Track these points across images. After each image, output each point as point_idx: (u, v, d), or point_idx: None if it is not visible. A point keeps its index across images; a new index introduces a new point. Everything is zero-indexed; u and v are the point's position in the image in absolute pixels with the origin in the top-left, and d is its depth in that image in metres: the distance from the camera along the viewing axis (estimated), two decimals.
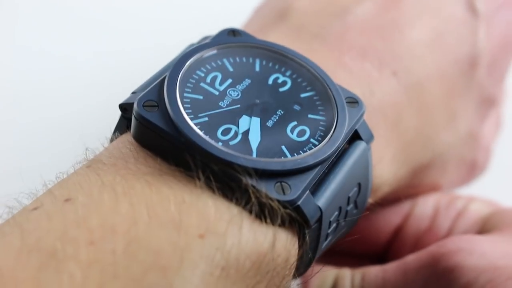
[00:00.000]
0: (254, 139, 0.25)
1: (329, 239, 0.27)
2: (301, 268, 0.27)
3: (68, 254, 0.20)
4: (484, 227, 0.33)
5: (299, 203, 0.24)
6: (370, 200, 0.30)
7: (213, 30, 0.30)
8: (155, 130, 0.25)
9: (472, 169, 0.38)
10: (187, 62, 0.27)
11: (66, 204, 0.22)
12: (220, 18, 0.37)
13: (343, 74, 0.30)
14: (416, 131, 0.32)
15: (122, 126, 0.27)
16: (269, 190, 0.24)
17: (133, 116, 0.25)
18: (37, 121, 0.42)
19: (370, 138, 0.28)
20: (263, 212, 0.24)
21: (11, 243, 0.21)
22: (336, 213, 0.26)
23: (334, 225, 0.27)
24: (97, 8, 0.50)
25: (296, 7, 0.34)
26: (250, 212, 0.24)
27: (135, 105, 0.25)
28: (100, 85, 0.43)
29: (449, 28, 0.35)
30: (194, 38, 0.30)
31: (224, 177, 0.24)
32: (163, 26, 0.49)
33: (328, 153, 0.25)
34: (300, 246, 0.25)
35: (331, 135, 0.26)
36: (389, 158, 0.31)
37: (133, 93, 0.27)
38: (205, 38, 0.29)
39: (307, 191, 0.24)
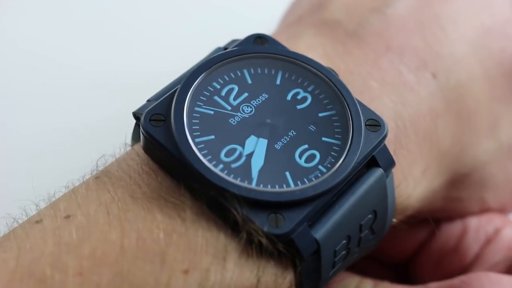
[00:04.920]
0: (257, 163, 0.24)
1: (338, 266, 0.26)
2: None
3: (56, 283, 0.21)
4: None
5: (292, 236, 0.23)
6: (395, 220, 0.29)
7: (236, 32, 0.29)
8: (158, 146, 0.24)
9: None
10: (202, 72, 0.26)
11: (65, 222, 0.23)
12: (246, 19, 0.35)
13: (375, 83, 0.28)
14: (453, 138, 0.30)
15: (137, 134, 0.27)
16: (260, 221, 0.23)
17: (140, 128, 0.25)
18: (51, 125, 0.42)
19: (390, 164, 0.26)
20: (252, 243, 0.23)
21: (8, 263, 0.22)
22: (344, 241, 0.25)
23: (343, 252, 0.26)
24: (117, 13, 0.50)
25: None
26: (241, 243, 0.23)
27: (141, 119, 0.25)
28: (116, 90, 0.43)
29: (496, 25, 0.32)
30: (216, 40, 0.29)
31: (217, 204, 0.23)
32: (184, 30, 0.49)
33: (331, 185, 0.24)
34: (296, 278, 0.25)
35: (340, 164, 0.25)
36: (418, 174, 0.29)
37: (148, 101, 0.26)
38: (233, 41, 0.28)
39: (304, 224, 0.24)
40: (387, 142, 0.27)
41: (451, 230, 0.34)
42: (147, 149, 0.25)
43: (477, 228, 0.34)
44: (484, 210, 0.34)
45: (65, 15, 0.49)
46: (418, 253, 0.34)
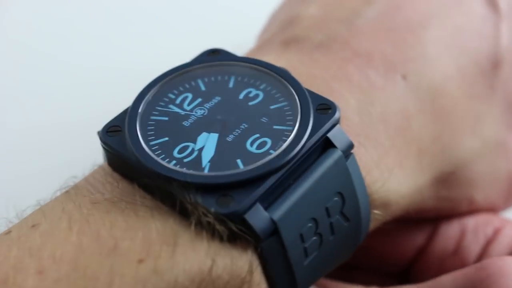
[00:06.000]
0: (207, 154, 0.25)
1: (313, 255, 0.26)
2: (281, 284, 0.26)
3: (17, 282, 0.22)
4: None
5: (243, 216, 0.23)
6: (378, 212, 0.29)
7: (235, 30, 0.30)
8: (116, 154, 0.26)
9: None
10: (156, 85, 0.27)
11: (31, 230, 0.24)
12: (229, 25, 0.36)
13: (339, 85, 0.29)
14: (432, 137, 0.30)
15: None
16: (208, 203, 0.23)
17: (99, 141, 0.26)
18: (49, 122, 0.44)
19: (348, 146, 0.26)
20: (204, 227, 0.23)
21: None
22: (310, 225, 0.25)
23: (313, 238, 0.26)
24: (115, 11, 0.51)
25: (303, 15, 0.33)
26: (192, 228, 0.23)
27: (100, 132, 0.26)
28: (118, 88, 0.42)
29: (469, 24, 0.32)
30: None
31: (166, 195, 0.24)
32: (182, 29, 0.50)
33: (279, 164, 0.24)
34: (262, 263, 0.24)
35: (288, 144, 0.25)
36: (393, 166, 0.28)
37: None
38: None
39: (256, 203, 0.24)
40: (351, 135, 0.27)
41: (449, 232, 0.33)
42: (109, 161, 0.26)
43: (475, 229, 0.33)
44: (474, 209, 0.33)
45: (60, 10, 0.51)
46: (417, 258, 0.34)
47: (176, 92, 0.27)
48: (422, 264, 0.33)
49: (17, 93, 0.46)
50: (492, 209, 0.35)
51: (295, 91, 0.27)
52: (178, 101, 0.27)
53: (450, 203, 0.33)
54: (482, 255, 0.32)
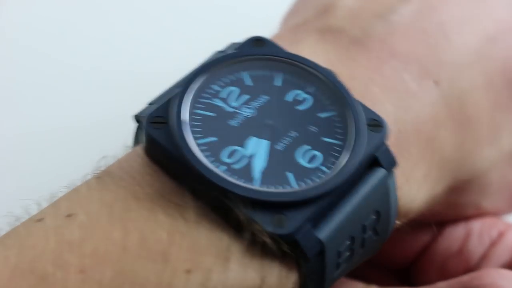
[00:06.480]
0: (259, 164, 0.24)
1: (342, 267, 0.26)
2: None
3: (58, 280, 0.21)
4: None
5: (296, 237, 0.23)
6: (398, 222, 0.29)
7: (238, 31, 0.29)
8: (160, 148, 0.24)
9: None
10: (201, 75, 0.26)
11: (67, 220, 0.23)
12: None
13: (377, 88, 0.28)
14: (455, 146, 0.30)
15: (138, 136, 0.27)
16: (264, 222, 0.23)
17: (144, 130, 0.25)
18: (53, 124, 0.42)
19: (392, 164, 0.26)
20: (256, 244, 0.23)
21: (9, 260, 0.21)
22: (348, 242, 0.25)
23: (347, 254, 0.26)
24: (119, 11, 0.50)
25: (338, 5, 0.32)
26: (244, 243, 0.23)
27: (143, 122, 0.25)
28: (119, 89, 0.43)
29: (500, 33, 0.32)
30: (218, 40, 0.29)
31: (219, 205, 0.23)
32: (186, 30, 0.49)
33: (334, 186, 0.24)
34: (301, 279, 0.24)
35: (343, 165, 0.24)
36: (420, 177, 0.29)
37: (150, 104, 0.26)
38: (233, 44, 0.28)
39: (307, 224, 0.23)
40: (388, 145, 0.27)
41: (455, 233, 0.34)
42: (149, 151, 0.25)
43: (480, 231, 0.34)
44: (479, 214, 0.34)
45: (64, 10, 0.49)
46: (421, 257, 0.34)
47: (221, 84, 0.26)
48: (425, 262, 0.34)
49: (18, 92, 0.44)
50: (496, 213, 0.36)
51: (346, 101, 0.26)
52: (223, 95, 0.26)
53: (457, 209, 0.34)
54: (486, 257, 0.33)
